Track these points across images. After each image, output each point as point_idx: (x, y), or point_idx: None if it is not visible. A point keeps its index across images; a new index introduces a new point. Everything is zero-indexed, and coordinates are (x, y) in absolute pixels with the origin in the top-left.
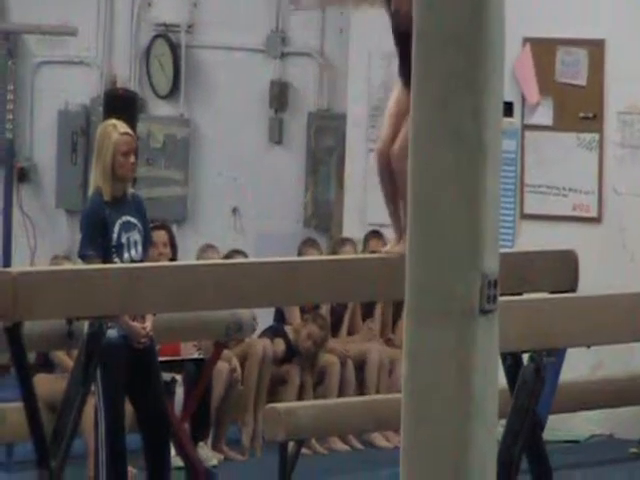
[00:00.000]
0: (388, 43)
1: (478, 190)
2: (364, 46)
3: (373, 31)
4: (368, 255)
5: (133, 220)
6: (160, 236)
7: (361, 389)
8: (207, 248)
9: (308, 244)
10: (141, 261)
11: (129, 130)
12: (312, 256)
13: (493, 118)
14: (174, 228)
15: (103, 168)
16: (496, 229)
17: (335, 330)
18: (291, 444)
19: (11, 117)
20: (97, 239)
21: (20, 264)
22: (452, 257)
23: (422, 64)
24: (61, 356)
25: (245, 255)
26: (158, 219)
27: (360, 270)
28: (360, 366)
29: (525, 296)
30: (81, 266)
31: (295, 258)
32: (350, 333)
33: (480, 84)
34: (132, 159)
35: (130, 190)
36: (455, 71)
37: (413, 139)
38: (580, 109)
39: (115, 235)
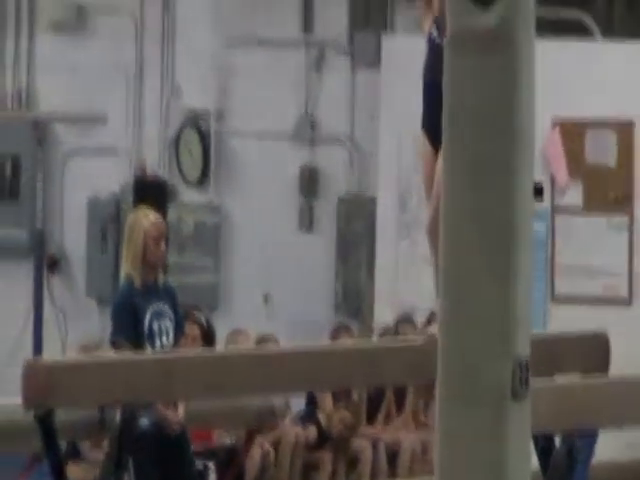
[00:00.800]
0: (418, 126)
1: (509, 273)
2: (394, 129)
3: (403, 114)
4: (401, 341)
5: (165, 308)
6: (192, 330)
7: (393, 474)
8: (237, 333)
9: (341, 330)
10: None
11: (159, 217)
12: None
13: (524, 201)
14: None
15: (134, 255)
16: (528, 312)
17: (371, 418)
18: None
19: (41, 206)
20: (128, 327)
21: (51, 353)
22: (484, 340)
23: (452, 146)
24: (89, 447)
25: (276, 341)
26: (191, 308)
27: (393, 355)
28: (393, 453)
29: (557, 378)
30: (112, 354)
31: (327, 344)
32: (386, 422)
33: (510, 167)
34: (163, 246)
35: (162, 278)
36: (485, 153)
37: (444, 222)
38: (610, 191)
39: (147, 322)
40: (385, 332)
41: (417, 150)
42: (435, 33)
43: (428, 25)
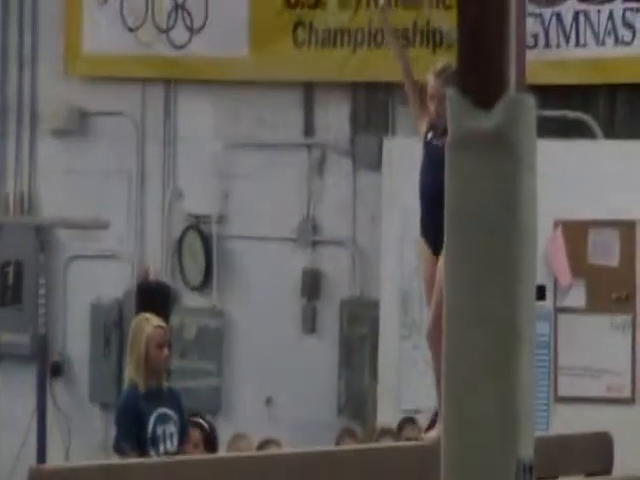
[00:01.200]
0: (418, 230)
1: (512, 374)
2: (396, 232)
3: (405, 216)
4: (404, 443)
5: (169, 412)
6: (194, 434)
7: None
8: (239, 438)
9: (347, 434)
10: (176, 453)
11: (162, 323)
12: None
13: (526, 302)
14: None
15: (137, 361)
16: (531, 413)
17: None
18: None
19: (43, 311)
20: (132, 432)
21: (55, 459)
22: (487, 441)
23: (454, 247)
24: None
25: (279, 444)
26: (193, 411)
27: (397, 458)
28: None
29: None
30: (116, 460)
31: (330, 447)
32: None
33: (513, 268)
34: (165, 351)
35: (166, 383)
36: (487, 255)
37: (446, 323)
38: (613, 290)
39: (150, 427)
40: (387, 433)
41: (418, 254)
42: (431, 136)
43: (424, 128)
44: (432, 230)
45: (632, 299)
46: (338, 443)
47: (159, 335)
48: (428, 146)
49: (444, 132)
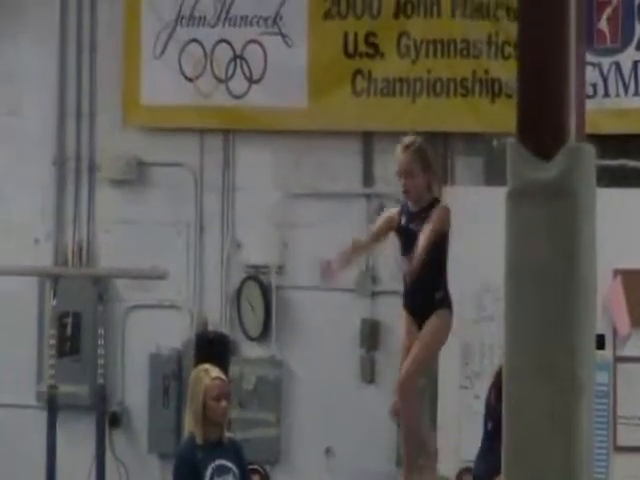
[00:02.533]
0: (479, 279)
1: (573, 426)
2: (455, 282)
3: (464, 268)
4: None
5: (228, 464)
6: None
7: None
8: None
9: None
10: None
11: (221, 375)
12: None
13: (587, 353)
14: (267, 469)
15: (195, 412)
16: (591, 463)
17: None
18: None
19: (102, 362)
20: None
21: None
22: None
23: (513, 299)
24: None
25: None
26: (252, 461)
27: None
28: None
29: None
30: None
31: None
32: None
33: (574, 320)
34: (224, 404)
35: (227, 434)
36: (547, 306)
37: (507, 376)
38: None
39: (207, 479)
40: None
41: (401, 328)
42: (405, 220)
43: (396, 220)
44: (414, 305)
45: None
46: None
47: (218, 387)
48: (404, 232)
49: (415, 215)
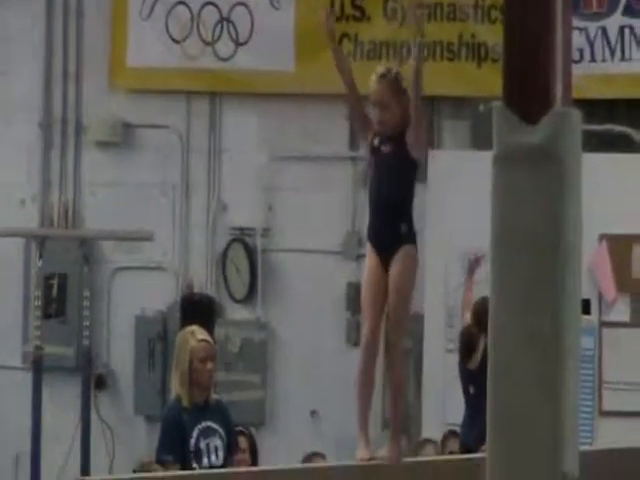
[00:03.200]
0: (465, 243)
1: (558, 390)
2: (441, 244)
3: (450, 231)
4: (448, 457)
5: (215, 426)
6: (241, 442)
7: None
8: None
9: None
10: (222, 466)
11: (207, 337)
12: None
13: (572, 318)
14: (253, 431)
15: (181, 375)
16: (576, 428)
17: None
18: None
19: (87, 324)
20: (175, 445)
21: (98, 471)
22: (532, 457)
23: (500, 266)
24: None
25: (324, 458)
26: (238, 423)
27: (441, 471)
28: None
29: None
30: (159, 473)
31: (375, 461)
32: None
33: (559, 285)
34: (210, 365)
35: (214, 396)
36: (533, 271)
37: (492, 342)
38: None
39: (193, 441)
40: (428, 443)
41: (366, 264)
42: (378, 142)
43: (369, 137)
44: (378, 236)
45: None
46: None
47: (204, 349)
48: (376, 153)
49: (389, 139)
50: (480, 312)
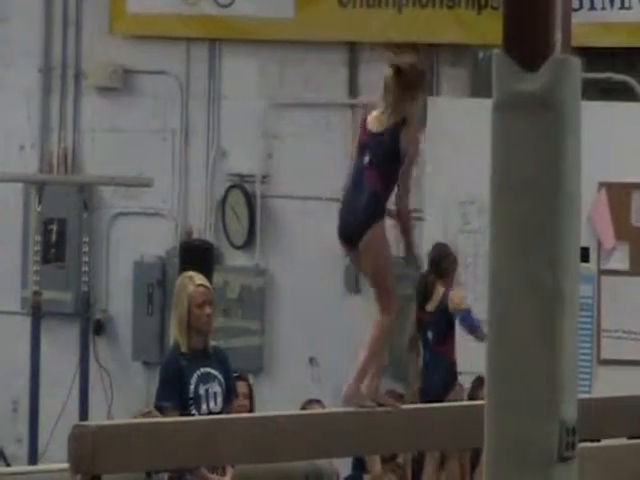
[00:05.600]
0: (464, 191)
1: (556, 337)
2: (440, 194)
3: (449, 179)
4: (447, 404)
5: (213, 372)
6: (240, 387)
7: None
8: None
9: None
10: (220, 412)
11: (205, 282)
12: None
13: (570, 265)
14: (251, 378)
15: (179, 320)
16: (574, 376)
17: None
18: None
19: (86, 269)
20: (174, 391)
21: (97, 416)
22: (530, 405)
23: (499, 212)
24: None
25: (322, 405)
26: (236, 370)
27: (438, 418)
28: None
29: (603, 442)
30: (158, 419)
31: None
32: None
33: (557, 231)
34: (208, 310)
35: (212, 342)
36: (532, 218)
37: (490, 287)
38: None
39: (192, 387)
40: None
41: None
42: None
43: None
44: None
45: None
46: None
47: (201, 294)
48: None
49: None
50: (435, 259)
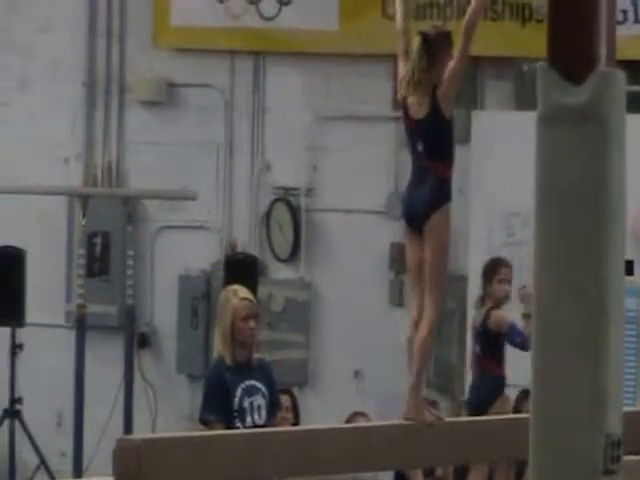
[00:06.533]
0: (508, 203)
1: (601, 350)
2: (484, 206)
3: (493, 192)
4: (490, 417)
5: (258, 385)
6: (284, 401)
7: None
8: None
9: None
10: (264, 425)
11: (249, 295)
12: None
13: (615, 278)
14: (295, 391)
15: (223, 333)
16: (620, 389)
17: None
18: None
19: (131, 282)
20: (219, 404)
21: (142, 430)
22: (576, 417)
23: (543, 224)
24: None
25: (368, 418)
26: (280, 383)
27: (484, 431)
28: None
29: None
30: (203, 432)
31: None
32: None
33: (602, 244)
34: (252, 324)
35: (256, 355)
36: (577, 231)
37: (536, 300)
38: None
39: (237, 400)
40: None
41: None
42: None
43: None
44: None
45: None
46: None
47: (246, 307)
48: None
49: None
50: (484, 272)
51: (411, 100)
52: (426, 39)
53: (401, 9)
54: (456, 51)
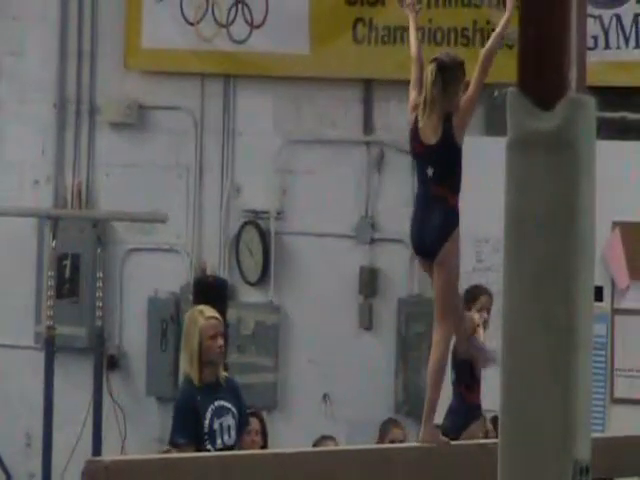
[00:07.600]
0: (478, 229)
1: (570, 376)
2: None
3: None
4: (464, 442)
5: (227, 405)
6: (254, 424)
7: None
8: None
9: (391, 424)
10: (234, 445)
11: (216, 314)
12: (397, 436)
13: (584, 304)
14: (264, 415)
15: (191, 354)
16: (588, 415)
17: None
18: None
19: (101, 304)
20: (188, 427)
21: (111, 452)
22: (544, 443)
23: (513, 250)
24: None
25: (336, 442)
26: (250, 406)
27: (454, 457)
28: None
29: None
30: (172, 454)
31: (388, 445)
32: None
33: (571, 270)
34: (220, 342)
35: (223, 374)
36: (546, 257)
37: (504, 325)
38: None
39: (207, 422)
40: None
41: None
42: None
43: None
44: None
45: None
46: (383, 432)
47: (213, 326)
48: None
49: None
50: (467, 299)
51: (423, 125)
52: (440, 66)
53: (414, 36)
54: (472, 79)
